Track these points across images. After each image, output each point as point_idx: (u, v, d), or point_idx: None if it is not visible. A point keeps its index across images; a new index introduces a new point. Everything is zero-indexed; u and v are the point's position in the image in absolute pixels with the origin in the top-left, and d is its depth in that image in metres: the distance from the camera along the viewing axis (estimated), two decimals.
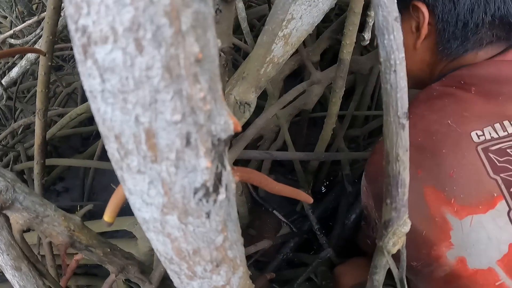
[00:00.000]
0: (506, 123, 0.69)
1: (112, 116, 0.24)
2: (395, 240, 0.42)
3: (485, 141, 0.68)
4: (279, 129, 1.38)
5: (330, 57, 1.84)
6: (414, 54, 0.89)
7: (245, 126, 0.88)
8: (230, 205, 0.33)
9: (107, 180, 1.95)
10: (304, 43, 1.56)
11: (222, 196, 0.29)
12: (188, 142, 0.24)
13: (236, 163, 1.53)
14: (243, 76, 0.56)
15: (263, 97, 1.37)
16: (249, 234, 1.43)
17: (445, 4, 0.79)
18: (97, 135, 2.13)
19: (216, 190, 0.28)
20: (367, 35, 0.95)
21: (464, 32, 0.79)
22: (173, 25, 0.22)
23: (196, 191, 0.27)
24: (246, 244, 1.33)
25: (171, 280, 0.41)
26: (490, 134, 0.68)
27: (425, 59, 0.88)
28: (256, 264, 1.49)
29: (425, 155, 0.70)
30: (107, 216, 0.47)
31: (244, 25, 1.04)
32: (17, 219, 0.60)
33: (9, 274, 0.64)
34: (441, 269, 0.68)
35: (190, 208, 0.28)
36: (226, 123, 0.28)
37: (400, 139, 0.34)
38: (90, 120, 2.03)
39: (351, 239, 1.37)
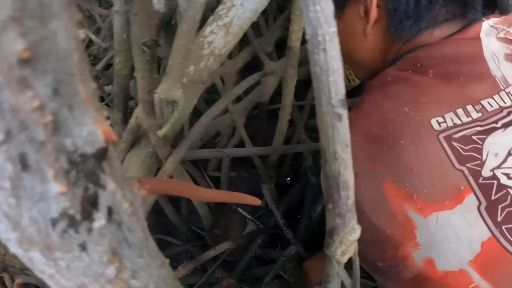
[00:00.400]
0: (469, 108, 0.63)
1: None
2: (344, 248, 0.37)
3: (447, 128, 0.62)
4: None
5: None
6: (365, 42, 0.83)
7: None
8: (124, 228, 0.27)
9: None
10: (260, 33, 1.51)
11: (99, 222, 0.24)
12: (25, 166, 0.19)
13: (196, 162, 1.48)
14: (166, 72, 0.51)
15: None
16: (214, 234, 1.38)
17: None
18: None
19: (88, 217, 0.23)
20: None
21: (417, 10, 0.73)
22: None
23: (54, 222, 0.21)
24: (213, 245, 1.29)
25: None
26: (452, 120, 0.62)
27: (377, 45, 0.82)
28: (225, 264, 1.45)
29: (382, 147, 0.64)
30: None
31: None
32: None
33: None
34: (408, 270, 0.62)
35: (53, 242, 0.22)
36: (92, 134, 0.22)
37: (337, 133, 0.29)
38: None
39: (319, 231, 1.34)
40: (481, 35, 0.69)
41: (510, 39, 0.68)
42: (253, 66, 1.36)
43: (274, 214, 1.36)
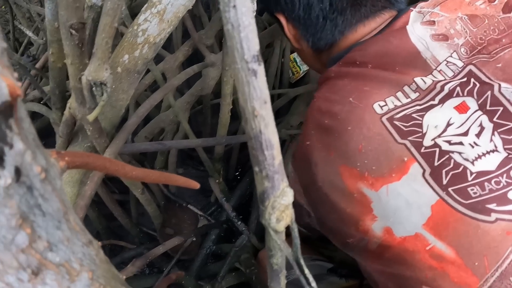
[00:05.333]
0: (406, 89, 0.69)
1: None
2: (278, 215, 0.36)
3: (389, 110, 0.68)
4: None
5: None
6: (303, 53, 0.92)
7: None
8: (36, 194, 0.26)
9: None
10: (202, 25, 1.51)
11: (5, 180, 0.23)
12: None
13: (143, 161, 1.46)
14: (93, 52, 0.50)
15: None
16: (167, 234, 1.36)
17: (292, 5, 0.83)
18: None
19: None
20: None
21: (325, 21, 0.81)
22: None
23: None
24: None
25: None
26: (393, 103, 0.68)
27: (312, 54, 0.90)
28: (181, 264, 1.43)
29: (333, 136, 0.70)
30: None
31: (123, 7, 0.96)
32: None
33: None
34: (372, 241, 0.67)
35: None
36: None
37: (254, 89, 0.28)
38: None
39: None
40: (409, 23, 0.75)
41: (433, 21, 0.74)
42: (197, 61, 1.36)
43: (224, 207, 1.36)
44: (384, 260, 0.67)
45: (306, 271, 0.37)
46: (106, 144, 0.74)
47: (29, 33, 1.43)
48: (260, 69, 0.29)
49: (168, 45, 1.65)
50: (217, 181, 1.36)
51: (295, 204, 0.93)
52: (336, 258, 1.12)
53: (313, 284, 0.38)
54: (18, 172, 0.24)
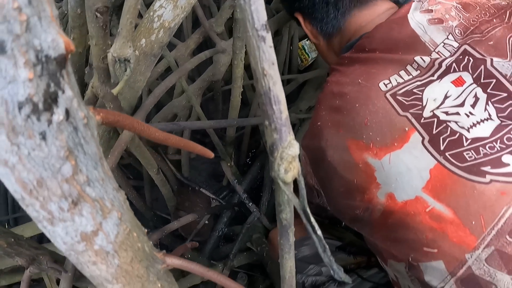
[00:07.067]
0: (409, 67, 0.75)
1: None
2: (286, 166, 0.41)
3: (392, 87, 0.74)
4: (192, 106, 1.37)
5: None
6: (321, 48, 1.01)
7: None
8: (80, 135, 0.31)
9: None
10: (211, 15, 1.56)
11: (58, 117, 0.28)
12: (2, 50, 0.23)
13: (156, 147, 1.51)
14: (118, 32, 0.55)
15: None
16: (180, 217, 1.41)
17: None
18: None
19: (48, 108, 0.27)
20: None
21: (327, 5, 0.91)
22: None
23: (21, 106, 0.25)
24: (180, 228, 1.30)
25: None
26: (396, 80, 0.74)
27: (327, 46, 0.99)
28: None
29: (342, 114, 0.76)
30: None
31: None
32: None
33: None
34: (376, 209, 0.72)
35: (17, 125, 0.26)
36: (55, 41, 0.26)
37: (263, 53, 0.33)
38: None
39: None
40: (409, 12, 0.82)
41: (431, 9, 0.82)
42: (207, 49, 1.40)
43: (236, 188, 1.41)
44: (388, 226, 0.71)
45: (312, 219, 0.40)
46: None
47: None
48: (268, 36, 0.34)
49: (179, 34, 1.70)
50: (228, 164, 1.41)
51: (307, 187, 0.99)
52: (346, 239, 1.16)
53: (319, 232, 0.42)
54: (67, 113, 0.29)
